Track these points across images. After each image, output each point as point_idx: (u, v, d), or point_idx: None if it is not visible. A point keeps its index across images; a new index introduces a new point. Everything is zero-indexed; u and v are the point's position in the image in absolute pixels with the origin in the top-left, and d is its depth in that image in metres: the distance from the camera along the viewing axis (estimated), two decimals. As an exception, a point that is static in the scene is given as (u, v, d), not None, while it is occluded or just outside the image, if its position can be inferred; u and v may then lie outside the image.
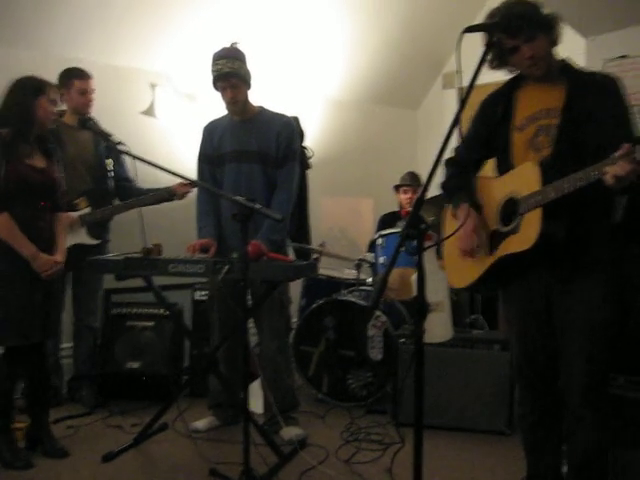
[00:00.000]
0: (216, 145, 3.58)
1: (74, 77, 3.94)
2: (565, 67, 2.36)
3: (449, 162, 2.61)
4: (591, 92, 2.26)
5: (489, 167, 2.58)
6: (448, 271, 2.67)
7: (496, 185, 2.44)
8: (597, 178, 1.99)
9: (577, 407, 2.32)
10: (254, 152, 3.49)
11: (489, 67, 2.29)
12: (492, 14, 2.24)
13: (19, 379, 3.28)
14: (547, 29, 2.27)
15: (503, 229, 2.36)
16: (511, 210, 2.33)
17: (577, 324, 2.29)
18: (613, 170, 1.94)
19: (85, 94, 3.97)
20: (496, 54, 2.31)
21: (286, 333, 3.73)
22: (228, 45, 3.43)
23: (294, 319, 4.44)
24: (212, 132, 3.62)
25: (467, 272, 2.52)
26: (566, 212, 2.18)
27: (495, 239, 2.40)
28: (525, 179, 2.27)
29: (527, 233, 2.24)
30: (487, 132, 2.50)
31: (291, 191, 3.54)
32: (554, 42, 2.31)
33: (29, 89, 3.12)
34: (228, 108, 3.51)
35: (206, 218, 3.57)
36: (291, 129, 3.56)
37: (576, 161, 2.12)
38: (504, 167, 2.44)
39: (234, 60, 3.37)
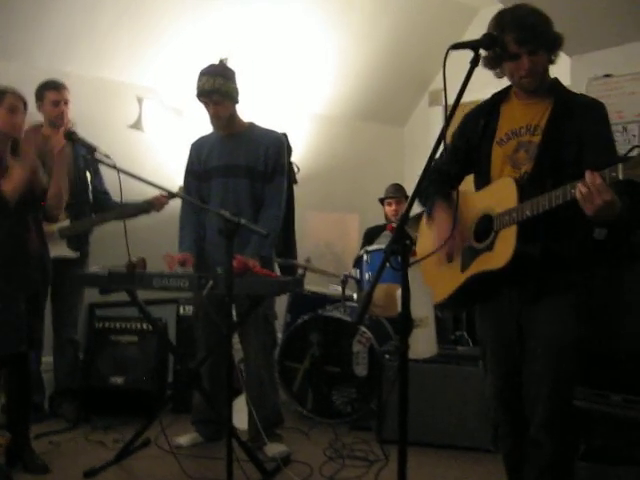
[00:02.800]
0: (203, 161, 3.58)
1: (46, 89, 3.89)
2: (554, 86, 2.31)
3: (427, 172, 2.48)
4: (578, 114, 2.21)
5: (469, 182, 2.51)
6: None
7: (472, 200, 2.36)
8: (573, 196, 1.95)
9: (536, 432, 2.25)
10: (242, 167, 3.49)
11: (482, 65, 2.14)
12: (501, 17, 2.19)
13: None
14: (551, 47, 2.23)
15: (477, 246, 2.29)
16: (486, 226, 2.26)
17: (543, 346, 2.22)
18: (582, 183, 1.90)
19: (58, 105, 3.90)
20: (495, 54, 2.20)
21: (271, 349, 3.71)
22: (216, 61, 3.44)
23: (279, 335, 4.42)
24: (200, 149, 3.62)
25: (440, 288, 2.44)
26: (542, 231, 2.13)
27: (468, 256, 2.32)
28: (501, 195, 2.21)
29: (501, 251, 2.16)
30: (465, 146, 2.43)
31: (280, 207, 3.54)
32: (552, 61, 2.26)
33: None
34: (212, 123, 3.51)
35: (185, 231, 3.58)
36: (280, 144, 3.57)
37: (554, 181, 2.07)
38: (482, 181, 2.37)
39: (217, 77, 3.37)
